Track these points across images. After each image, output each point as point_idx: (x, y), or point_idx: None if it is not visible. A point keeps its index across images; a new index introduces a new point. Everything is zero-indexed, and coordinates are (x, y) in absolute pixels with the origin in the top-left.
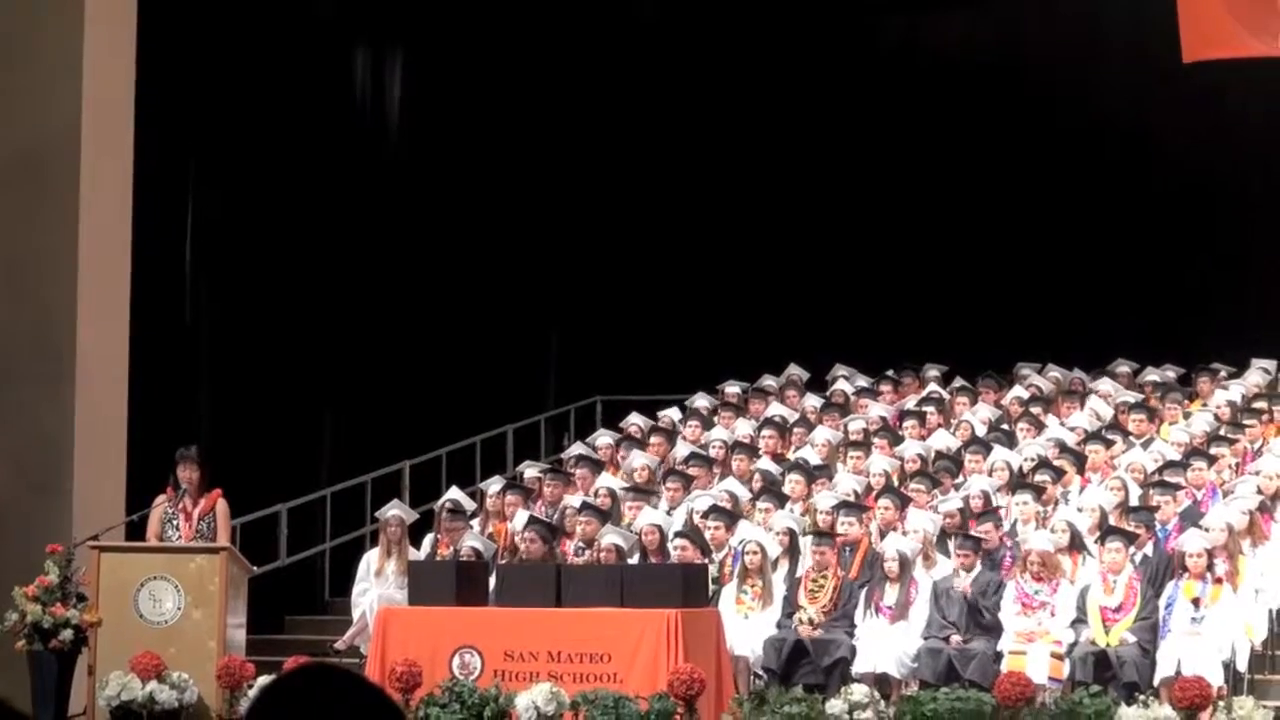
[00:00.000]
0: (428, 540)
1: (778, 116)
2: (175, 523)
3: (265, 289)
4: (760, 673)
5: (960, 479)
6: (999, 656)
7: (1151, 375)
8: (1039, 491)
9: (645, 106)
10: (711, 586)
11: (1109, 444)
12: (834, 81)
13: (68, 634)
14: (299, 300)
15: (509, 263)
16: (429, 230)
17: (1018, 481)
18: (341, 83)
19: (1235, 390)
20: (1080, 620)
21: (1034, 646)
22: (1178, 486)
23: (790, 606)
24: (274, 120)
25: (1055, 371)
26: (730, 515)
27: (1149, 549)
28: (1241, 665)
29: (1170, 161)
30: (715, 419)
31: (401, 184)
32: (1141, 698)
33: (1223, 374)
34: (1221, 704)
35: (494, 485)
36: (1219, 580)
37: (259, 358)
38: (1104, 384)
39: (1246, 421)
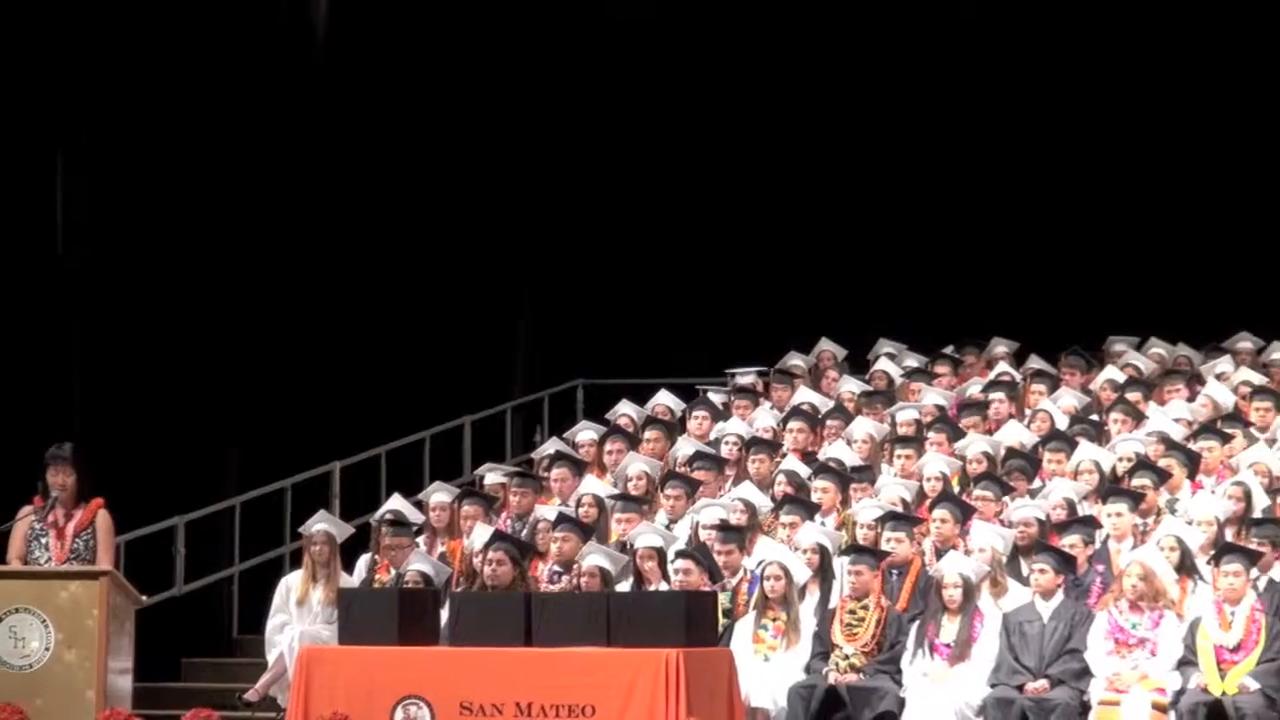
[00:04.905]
0: (363, 562)
1: (812, 52)
2: (44, 540)
3: (157, 252)
4: None
5: (1037, 483)
6: (1086, 707)
7: (1278, 352)
8: (1137, 499)
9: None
10: (722, 620)
11: (1226, 439)
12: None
13: None
14: (200, 263)
15: (466, 214)
16: (365, 174)
17: (1110, 487)
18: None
19: None
20: (1189, 662)
21: (1130, 695)
22: None
23: (822, 645)
24: (168, 50)
25: (1158, 348)
26: (746, 530)
27: (1276, 572)
28: None
29: None
30: (727, 408)
31: (330, 115)
32: None
33: None
34: None
35: (439, 494)
36: None
37: (149, 335)
38: (1221, 364)
39: None
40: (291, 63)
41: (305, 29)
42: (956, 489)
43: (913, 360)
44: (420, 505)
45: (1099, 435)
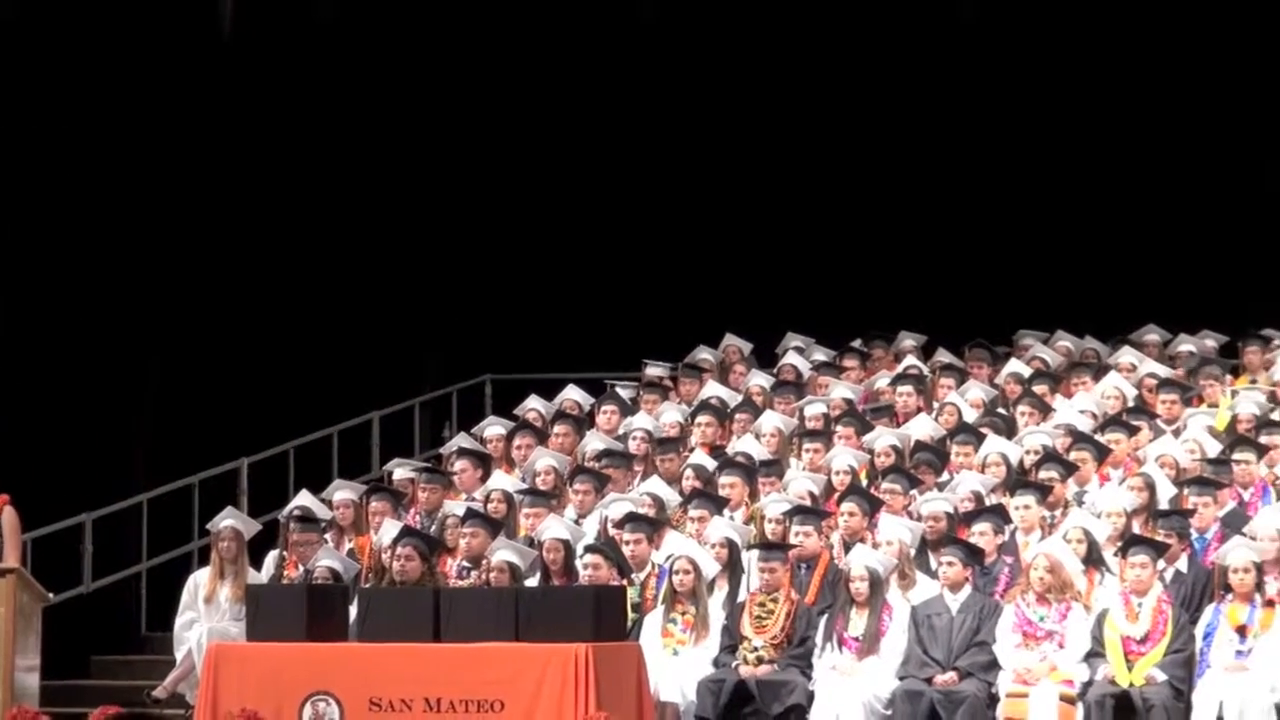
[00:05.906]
0: (271, 558)
1: (722, 48)
2: None
3: (63, 245)
4: None
5: (945, 476)
6: (994, 699)
7: (1185, 345)
8: (1044, 492)
9: (567, 33)
10: (631, 615)
11: (1133, 431)
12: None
13: None
14: (105, 254)
15: (375, 210)
16: (273, 171)
17: (1017, 480)
18: None
19: None
20: (1096, 654)
21: (1038, 687)
22: (1219, 485)
23: (731, 639)
24: (69, 30)
25: (1065, 340)
26: (654, 524)
27: (1183, 563)
28: None
29: (1218, 93)
30: (635, 402)
31: (238, 111)
32: None
33: (1277, 341)
34: None
35: (343, 491)
36: (1270, 603)
37: (53, 330)
38: (1122, 354)
39: None
40: (199, 59)
41: (212, 26)
42: (864, 482)
43: (821, 354)
44: (329, 501)
45: (1007, 428)
